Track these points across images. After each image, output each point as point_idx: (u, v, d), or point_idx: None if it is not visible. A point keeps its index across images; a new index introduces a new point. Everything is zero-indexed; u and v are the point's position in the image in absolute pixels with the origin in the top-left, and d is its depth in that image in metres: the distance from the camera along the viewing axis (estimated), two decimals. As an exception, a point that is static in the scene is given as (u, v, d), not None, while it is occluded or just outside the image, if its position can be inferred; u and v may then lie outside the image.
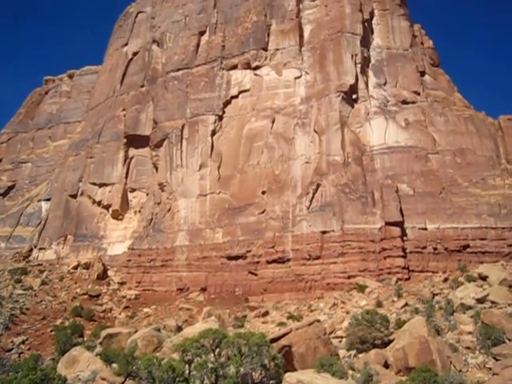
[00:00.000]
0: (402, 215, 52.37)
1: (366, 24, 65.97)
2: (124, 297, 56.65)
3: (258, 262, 55.27)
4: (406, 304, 38.95)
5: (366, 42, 64.85)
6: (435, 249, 51.10)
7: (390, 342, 23.06)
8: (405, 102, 60.84)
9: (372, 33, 66.93)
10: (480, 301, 31.82)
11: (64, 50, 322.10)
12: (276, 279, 53.62)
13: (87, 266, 63.34)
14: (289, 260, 54.18)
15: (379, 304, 40.43)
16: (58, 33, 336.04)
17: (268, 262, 54.76)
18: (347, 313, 40.62)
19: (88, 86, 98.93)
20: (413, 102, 60.76)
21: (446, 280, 45.48)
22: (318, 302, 48.53)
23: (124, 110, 75.05)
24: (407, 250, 50.87)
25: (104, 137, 74.98)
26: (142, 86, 75.25)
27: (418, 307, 35.74)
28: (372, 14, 67.73)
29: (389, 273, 49.18)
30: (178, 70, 71.39)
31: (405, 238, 51.61)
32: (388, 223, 51.72)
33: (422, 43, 68.86)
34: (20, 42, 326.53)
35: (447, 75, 66.11)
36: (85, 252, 67.91)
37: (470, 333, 25.00)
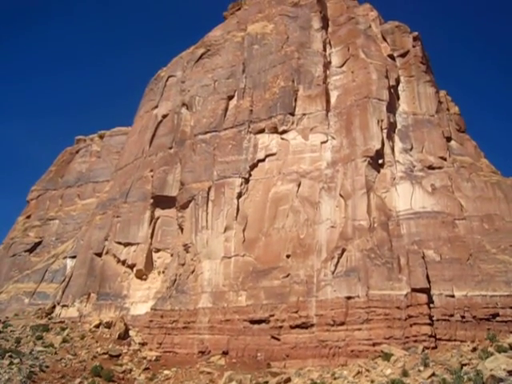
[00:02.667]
0: (429, 282, 51.25)
1: (392, 90, 66.79)
2: (144, 358, 55.91)
3: (281, 327, 54.28)
4: (433, 374, 37.62)
5: (392, 107, 65.53)
6: (463, 317, 49.60)
7: (417, 414, 22.30)
8: (431, 168, 60.76)
9: (398, 99, 67.71)
10: None
11: (96, 112, 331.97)
12: (299, 345, 52.44)
13: (109, 325, 62.91)
14: (312, 325, 53.06)
15: (405, 373, 39.18)
16: (90, 95, 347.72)
17: (291, 327, 53.71)
18: (372, 382, 39.50)
19: (117, 146, 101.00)
20: (439, 168, 60.64)
21: (474, 350, 44.02)
22: (342, 369, 47.15)
23: (152, 170, 76.13)
24: (434, 318, 49.43)
25: (131, 197, 75.84)
26: (171, 148, 76.54)
27: (445, 378, 34.61)
28: (398, 81, 68.71)
29: (415, 341, 47.69)
30: (206, 132, 72.60)
31: (431, 306, 50.25)
32: (414, 290, 50.62)
33: (447, 109, 69.32)
34: (54, 103, 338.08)
35: (474, 141, 66.17)
36: (107, 311, 67.64)
37: (501, 407, 24.09)
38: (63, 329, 63.62)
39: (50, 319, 69.85)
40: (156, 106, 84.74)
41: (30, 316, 72.99)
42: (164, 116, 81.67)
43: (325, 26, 76.44)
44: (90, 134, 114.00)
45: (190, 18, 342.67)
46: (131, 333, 61.60)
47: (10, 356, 48.83)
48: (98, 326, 63.34)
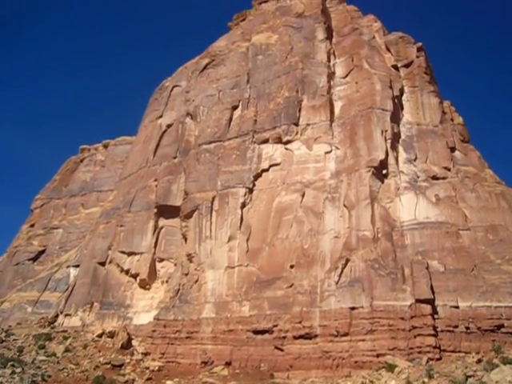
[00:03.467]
0: (433, 292, 50.94)
1: (395, 100, 66.90)
2: (147, 368, 55.59)
3: (284, 337, 53.94)
4: (438, 386, 37.51)
5: (396, 117, 65.57)
6: (467, 328, 49.18)
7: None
8: (435, 178, 60.64)
9: (402, 109, 67.80)
10: (516, 385, 30.49)
11: (100, 121, 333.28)
12: (303, 355, 52.02)
13: (112, 335, 62.76)
14: (316, 336, 52.67)
15: (409, 385, 39.03)
16: (94, 104, 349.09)
17: (295, 338, 53.37)
18: (376, 393, 39.36)
19: (122, 155, 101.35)
20: (443, 178, 60.53)
21: (479, 361, 43.71)
22: (346, 380, 46.88)
23: (156, 180, 76.19)
24: (438, 329, 49.02)
25: (135, 206, 75.85)
26: (175, 158, 76.63)
27: (450, 390, 34.42)
28: (402, 91, 68.85)
29: (419, 352, 47.31)
30: (211, 142, 72.68)
31: (436, 316, 49.89)
32: (418, 300, 50.29)
33: (451, 119, 69.32)
34: (58, 111, 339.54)
35: (478, 151, 66.16)
36: (110, 320, 67.44)
37: (506, 419, 23.87)
38: (66, 338, 63.45)
39: (52, 328, 69.74)
40: (160, 116, 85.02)
41: (33, 325, 72.95)
42: (168, 126, 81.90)
43: (329, 37, 76.82)
44: (94, 143, 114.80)
45: (195, 28, 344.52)
46: (134, 342, 61.39)
47: (13, 365, 48.77)
48: (100, 336, 63.19)
